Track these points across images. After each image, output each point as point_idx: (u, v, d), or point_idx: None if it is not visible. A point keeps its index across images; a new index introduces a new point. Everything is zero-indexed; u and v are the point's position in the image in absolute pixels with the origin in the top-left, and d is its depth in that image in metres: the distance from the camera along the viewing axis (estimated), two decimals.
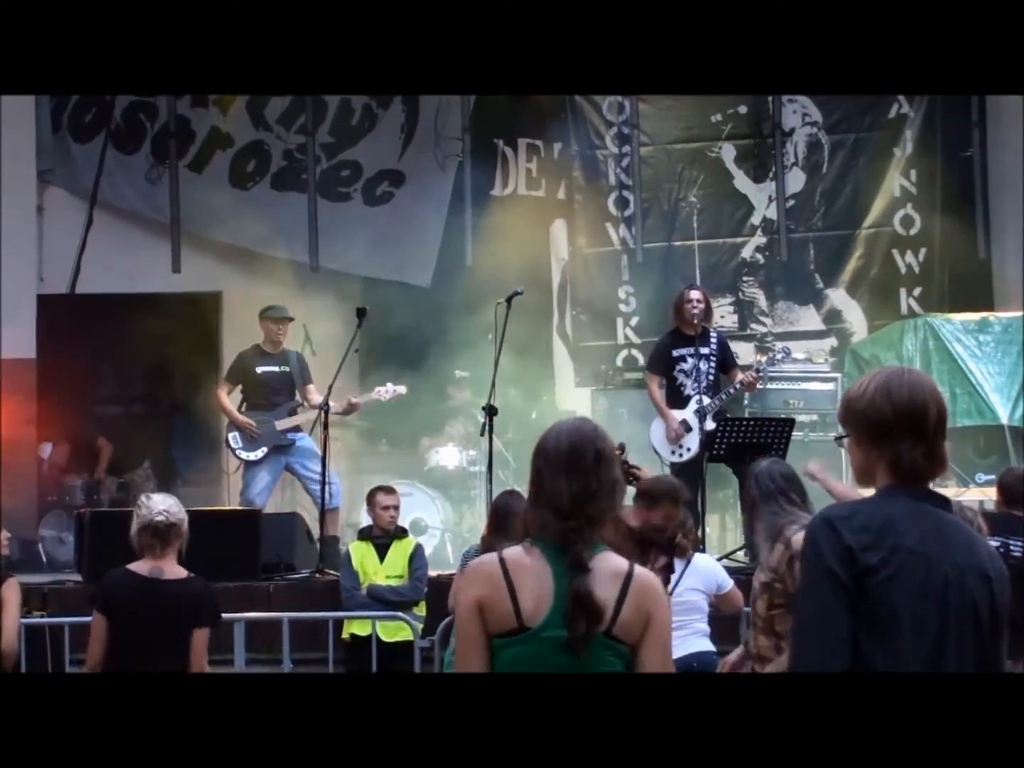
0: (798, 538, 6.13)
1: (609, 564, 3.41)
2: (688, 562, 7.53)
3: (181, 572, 6.26)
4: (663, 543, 6.42)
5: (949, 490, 11.65)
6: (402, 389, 11.21)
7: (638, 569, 3.43)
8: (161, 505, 6.26)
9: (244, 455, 11.09)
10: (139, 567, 6.25)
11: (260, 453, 11.06)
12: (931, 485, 3.19)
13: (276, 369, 11.19)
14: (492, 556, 3.43)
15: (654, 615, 3.38)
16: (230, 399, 11.34)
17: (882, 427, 3.12)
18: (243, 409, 11.21)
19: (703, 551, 8.93)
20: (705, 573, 7.59)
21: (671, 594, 6.65)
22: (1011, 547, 7.92)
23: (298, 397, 11.22)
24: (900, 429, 3.10)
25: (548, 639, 3.34)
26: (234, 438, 11.09)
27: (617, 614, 3.35)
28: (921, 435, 3.10)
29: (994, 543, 7.89)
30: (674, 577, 6.86)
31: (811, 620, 3.05)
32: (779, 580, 6.19)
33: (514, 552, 3.42)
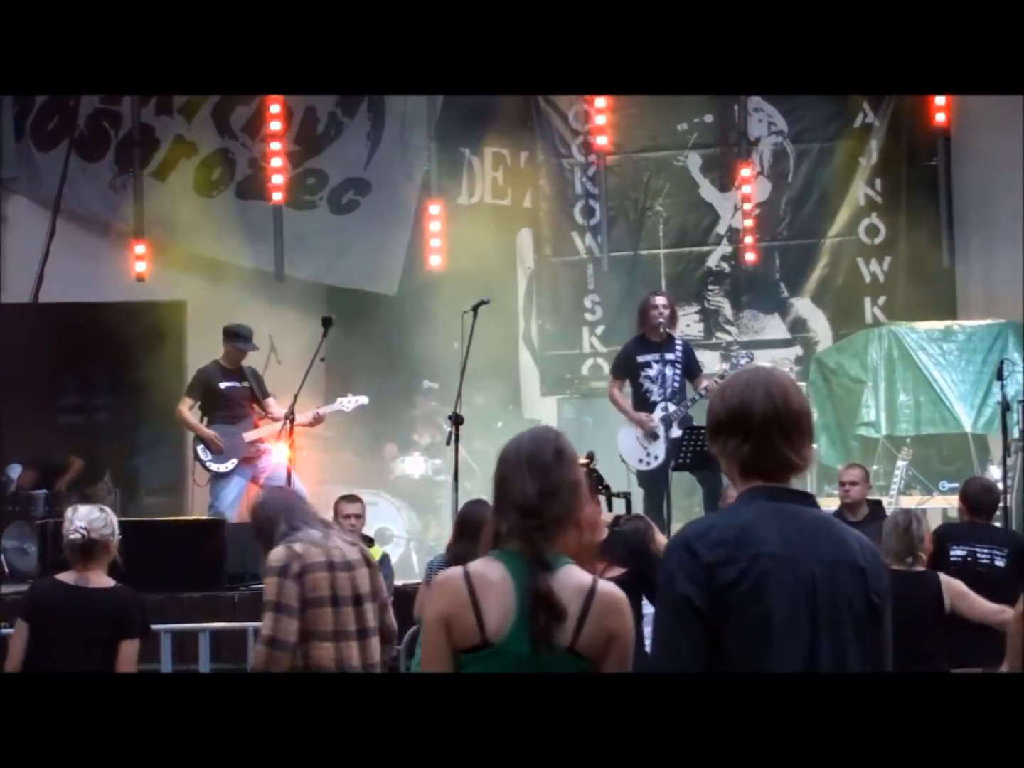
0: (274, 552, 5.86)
1: (572, 578, 3.38)
2: None
3: (108, 582, 6.20)
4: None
5: (913, 498, 11.66)
6: (364, 399, 11.18)
7: (602, 584, 3.40)
8: (80, 522, 6.16)
9: (214, 467, 11.01)
10: (65, 576, 6.24)
11: (231, 464, 10.98)
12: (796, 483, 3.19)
13: (238, 384, 11.12)
14: (458, 570, 3.40)
15: (617, 631, 3.36)
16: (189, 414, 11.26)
17: (716, 426, 3.20)
18: (205, 423, 11.13)
19: None
20: None
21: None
22: (978, 555, 7.91)
23: (258, 410, 11.16)
24: (729, 427, 3.16)
25: (511, 654, 3.32)
26: (203, 450, 11.01)
27: (580, 630, 3.33)
28: (747, 433, 3.13)
29: (960, 552, 7.91)
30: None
31: (660, 643, 3.08)
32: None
33: (478, 566, 3.40)
